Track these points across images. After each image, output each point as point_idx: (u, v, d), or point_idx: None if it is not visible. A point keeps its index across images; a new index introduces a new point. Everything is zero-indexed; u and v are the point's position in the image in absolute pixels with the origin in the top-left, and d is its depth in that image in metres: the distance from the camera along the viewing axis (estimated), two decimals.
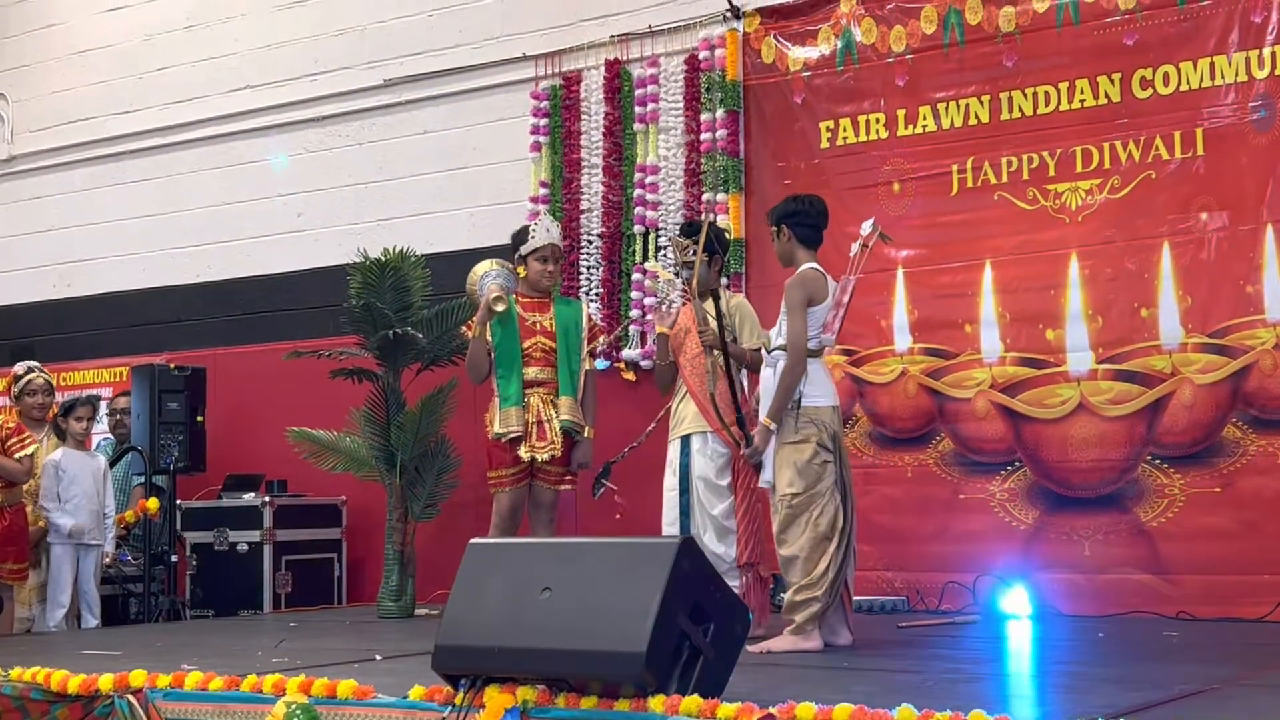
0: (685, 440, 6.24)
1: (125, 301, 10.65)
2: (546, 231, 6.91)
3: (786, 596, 5.66)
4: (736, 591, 5.59)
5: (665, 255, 7.95)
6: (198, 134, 10.45)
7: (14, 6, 11.55)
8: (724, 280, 6.47)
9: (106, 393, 9.92)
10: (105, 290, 10.76)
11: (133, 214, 10.73)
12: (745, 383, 6.34)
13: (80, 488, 7.73)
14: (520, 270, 6.91)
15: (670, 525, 6.20)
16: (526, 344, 6.80)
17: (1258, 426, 6.79)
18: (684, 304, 6.41)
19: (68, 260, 11.03)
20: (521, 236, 6.96)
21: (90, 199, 10.98)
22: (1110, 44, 7.24)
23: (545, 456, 6.72)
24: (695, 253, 6.05)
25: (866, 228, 5.95)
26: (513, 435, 6.70)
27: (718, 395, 6.00)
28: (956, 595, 7.24)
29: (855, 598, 7.33)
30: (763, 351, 6.00)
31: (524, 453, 6.70)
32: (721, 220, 7.85)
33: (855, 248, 5.90)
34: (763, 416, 5.73)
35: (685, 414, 6.28)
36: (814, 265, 5.82)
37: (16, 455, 7.35)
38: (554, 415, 6.76)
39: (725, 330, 6.09)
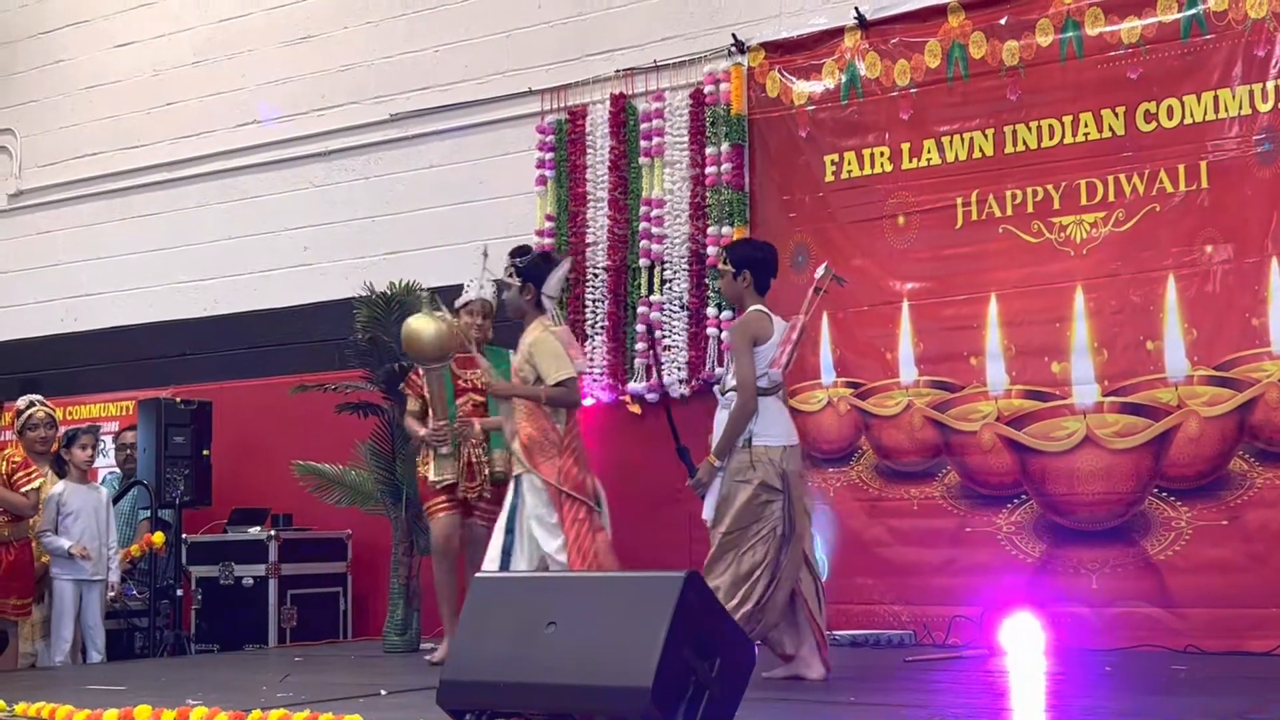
0: (517, 480, 6.27)
1: (131, 335, 10.67)
2: (479, 288, 7.11)
3: None
4: None
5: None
6: (205, 169, 10.49)
7: (23, 42, 11.62)
8: (553, 309, 6.46)
9: (113, 427, 9.93)
10: (112, 324, 10.77)
11: (139, 248, 10.77)
12: (564, 417, 6.27)
13: (82, 522, 7.70)
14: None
15: (490, 562, 6.22)
16: (460, 400, 7.06)
17: (1264, 459, 6.77)
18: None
19: (74, 294, 11.06)
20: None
21: (97, 233, 11.02)
22: (1114, 77, 7.26)
23: (476, 495, 7.00)
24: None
25: (820, 271, 6.16)
26: (446, 483, 6.95)
27: (527, 440, 6.15)
28: (964, 629, 7.22)
29: (861, 631, 7.39)
30: (720, 392, 6.08)
31: (459, 493, 6.98)
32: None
33: (811, 292, 6.08)
34: (709, 455, 5.88)
35: (514, 452, 6.31)
36: (760, 308, 5.99)
37: (23, 489, 7.35)
38: (485, 462, 7.01)
39: (533, 367, 6.22)
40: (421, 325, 6.75)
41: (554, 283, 6.37)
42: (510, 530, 6.22)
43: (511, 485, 6.30)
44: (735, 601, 5.61)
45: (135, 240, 10.79)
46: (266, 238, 10.12)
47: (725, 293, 6.28)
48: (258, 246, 10.13)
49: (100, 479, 8.68)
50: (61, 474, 7.82)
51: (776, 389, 5.92)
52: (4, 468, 7.37)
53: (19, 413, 7.90)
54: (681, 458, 6.36)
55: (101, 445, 8.45)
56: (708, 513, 5.90)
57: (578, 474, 6.19)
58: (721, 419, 5.90)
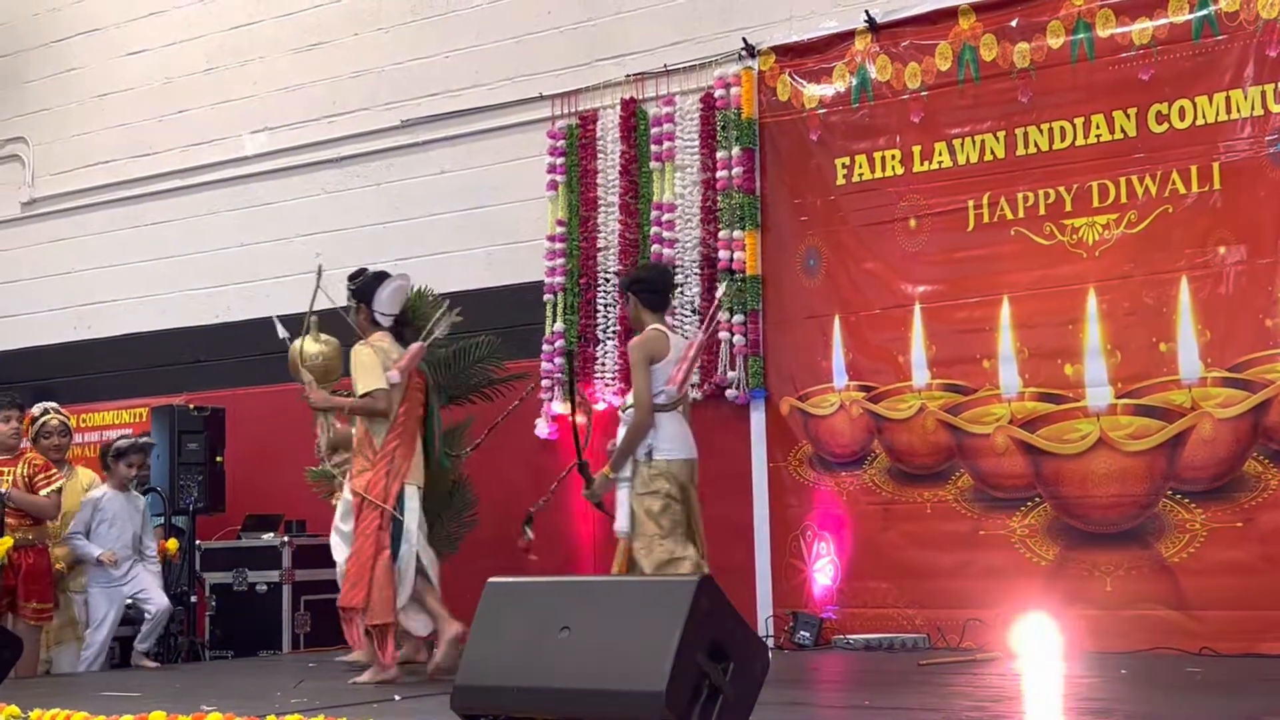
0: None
1: (145, 342, 10.69)
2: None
3: None
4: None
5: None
6: (216, 176, 10.52)
7: (35, 51, 11.65)
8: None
9: (126, 434, 9.93)
10: (125, 331, 10.81)
11: (152, 256, 10.79)
12: (382, 430, 6.43)
13: (118, 528, 7.74)
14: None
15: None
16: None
17: (1279, 460, 6.75)
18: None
19: (87, 302, 11.09)
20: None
21: (110, 241, 11.05)
22: (1126, 79, 7.25)
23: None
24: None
25: (721, 289, 6.50)
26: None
27: (334, 449, 6.47)
28: (978, 632, 7.20)
29: (874, 635, 7.39)
30: (621, 409, 6.41)
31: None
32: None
33: (712, 309, 6.48)
34: (604, 466, 6.19)
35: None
36: (657, 326, 6.27)
37: (43, 491, 7.37)
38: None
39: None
40: (305, 348, 6.95)
41: (384, 299, 6.58)
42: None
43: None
44: None
45: (148, 247, 10.81)
46: (279, 244, 10.15)
47: (629, 319, 6.53)
48: (270, 253, 10.15)
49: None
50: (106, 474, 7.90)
51: (675, 405, 6.18)
52: (25, 470, 7.39)
53: (33, 420, 7.92)
54: (580, 470, 6.56)
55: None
56: (622, 525, 6.16)
57: (384, 486, 6.33)
58: (622, 432, 6.20)
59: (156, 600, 7.76)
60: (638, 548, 6.03)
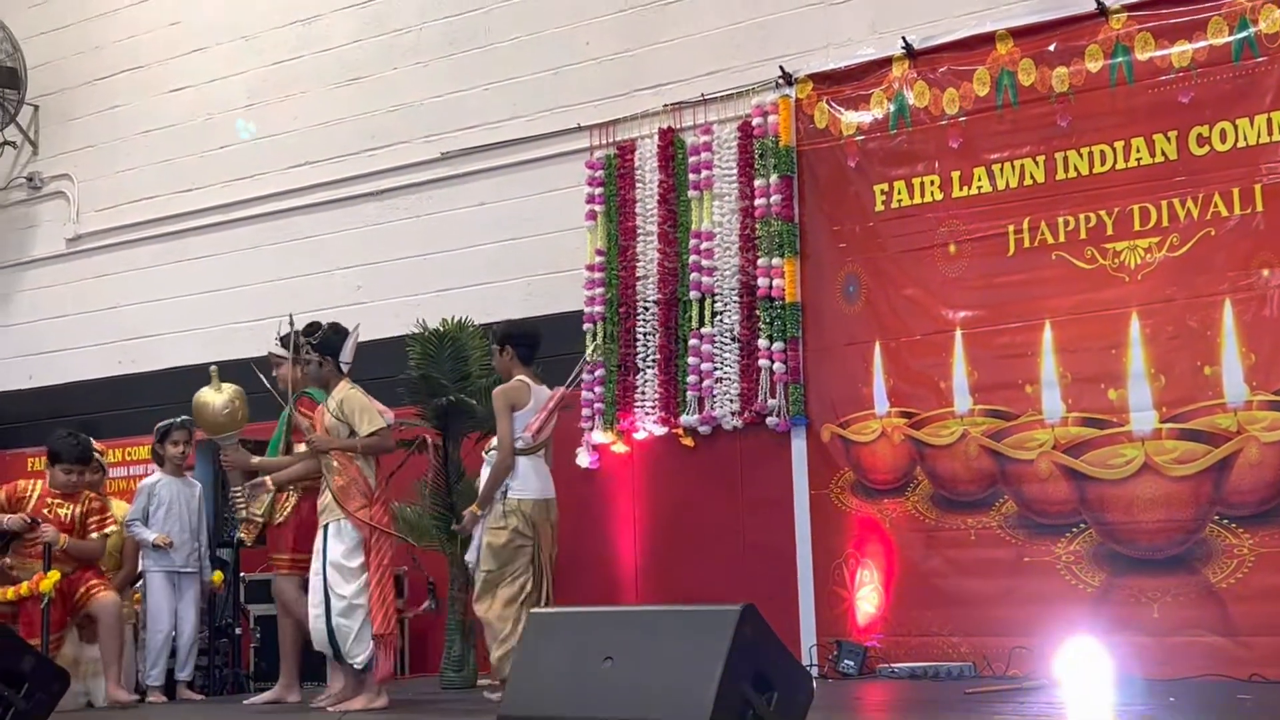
0: (324, 528, 6.70)
1: (188, 376, 10.68)
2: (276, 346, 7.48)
3: (493, 653, 6.62)
4: (372, 660, 6.57)
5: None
6: (258, 210, 10.62)
7: (80, 89, 11.80)
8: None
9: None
10: (168, 365, 10.87)
11: (195, 290, 10.89)
12: (374, 470, 6.82)
13: (174, 514, 7.81)
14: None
15: (314, 607, 6.66)
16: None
17: None
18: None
19: (131, 337, 11.18)
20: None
21: (153, 276, 11.15)
22: (1166, 102, 7.21)
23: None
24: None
25: (588, 352, 7.19)
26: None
27: (338, 489, 6.62)
28: (1024, 660, 7.14)
29: (919, 663, 7.35)
30: (483, 452, 6.91)
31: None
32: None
33: (578, 366, 7.10)
34: (474, 504, 6.75)
35: (325, 502, 6.74)
36: (522, 378, 6.80)
37: (93, 534, 7.43)
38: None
39: (344, 422, 6.74)
40: (209, 398, 7.38)
41: (348, 350, 6.91)
42: (320, 573, 6.67)
43: (320, 533, 6.71)
44: (507, 630, 6.50)
45: (190, 282, 10.91)
46: (320, 277, 10.20)
47: (498, 369, 7.03)
48: (311, 286, 10.20)
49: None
50: (160, 465, 8.00)
51: (535, 449, 6.72)
52: (80, 508, 7.44)
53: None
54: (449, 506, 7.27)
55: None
56: (470, 555, 6.80)
57: (389, 521, 6.86)
58: (485, 472, 6.75)
59: (186, 618, 7.78)
60: (479, 577, 6.64)
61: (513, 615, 6.55)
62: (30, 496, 7.42)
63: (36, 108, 11.98)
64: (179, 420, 8.05)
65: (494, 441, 6.78)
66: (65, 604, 7.31)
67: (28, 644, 5.53)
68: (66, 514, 7.40)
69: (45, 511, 7.36)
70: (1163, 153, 7.21)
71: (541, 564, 6.66)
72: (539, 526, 6.65)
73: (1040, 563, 7.33)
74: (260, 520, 7.21)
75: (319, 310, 10.00)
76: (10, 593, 7.35)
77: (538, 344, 6.99)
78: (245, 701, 7.27)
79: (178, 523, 7.81)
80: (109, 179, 11.53)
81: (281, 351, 7.29)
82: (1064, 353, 7.37)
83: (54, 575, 7.19)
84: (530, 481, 6.68)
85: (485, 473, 6.77)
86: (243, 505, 7.21)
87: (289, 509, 7.17)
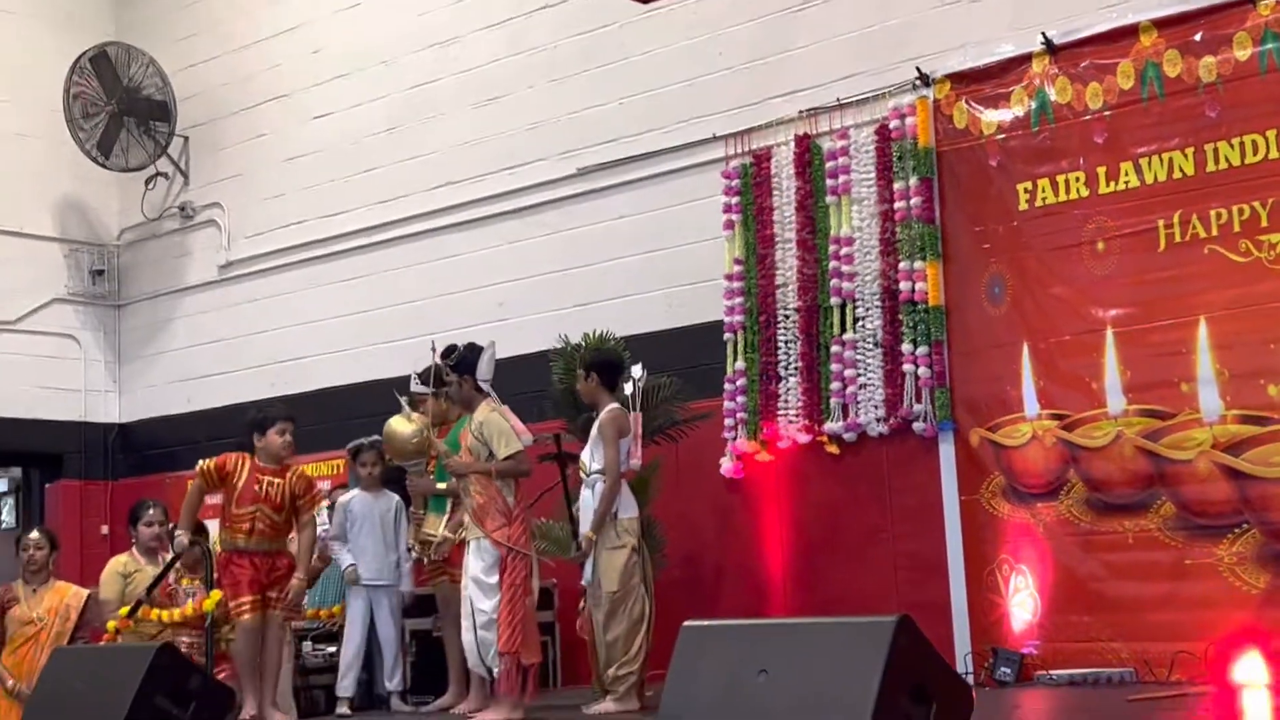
0: (468, 546, 6.98)
1: (339, 397, 10.98)
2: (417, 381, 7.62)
3: (610, 672, 6.92)
4: (496, 674, 6.81)
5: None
6: (402, 231, 10.80)
7: (229, 119, 12.13)
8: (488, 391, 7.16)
9: (324, 485, 10.18)
10: (319, 386, 11.11)
11: (343, 311, 11.12)
12: (514, 489, 6.99)
13: (367, 529, 7.93)
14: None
15: (464, 618, 6.93)
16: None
17: None
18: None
19: (282, 359, 11.46)
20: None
21: (302, 299, 11.42)
22: None
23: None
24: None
25: (637, 371, 7.31)
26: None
27: (476, 509, 6.86)
28: (1187, 665, 6.95)
29: (1079, 670, 7.23)
30: (583, 473, 7.16)
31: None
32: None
33: (628, 388, 7.27)
34: (585, 530, 7.02)
35: (467, 521, 7.01)
36: (616, 405, 7.11)
37: (304, 517, 7.44)
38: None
39: (484, 444, 6.94)
40: (399, 427, 7.57)
41: (484, 367, 7.09)
42: (466, 589, 6.93)
43: (465, 550, 6.99)
44: (635, 648, 6.85)
45: (339, 304, 11.15)
46: (462, 296, 10.34)
47: (582, 394, 7.35)
48: (454, 305, 10.35)
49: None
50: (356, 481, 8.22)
51: (630, 473, 7.12)
52: (289, 486, 7.40)
53: (131, 509, 8.31)
54: (572, 524, 7.41)
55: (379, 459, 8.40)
56: (587, 576, 7.04)
57: (526, 541, 6.94)
58: (586, 497, 7.08)
59: (385, 630, 7.93)
60: (599, 595, 6.93)
61: (639, 637, 6.89)
62: (240, 472, 7.39)
63: (186, 139, 12.35)
64: (368, 441, 8.22)
65: (588, 464, 7.09)
66: (258, 577, 7.28)
67: (195, 663, 5.69)
68: (277, 492, 7.35)
69: (256, 489, 7.32)
70: None
71: (650, 579, 7.05)
72: (643, 542, 7.06)
73: (1202, 565, 7.13)
74: (435, 540, 7.47)
75: (463, 329, 10.20)
76: (176, 613, 7.57)
77: (622, 372, 7.32)
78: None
79: (371, 537, 7.93)
80: (257, 206, 11.83)
81: (421, 389, 7.49)
82: (1220, 349, 7.17)
83: (215, 595, 7.35)
84: (630, 501, 7.08)
85: (586, 495, 7.08)
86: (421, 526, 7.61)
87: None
